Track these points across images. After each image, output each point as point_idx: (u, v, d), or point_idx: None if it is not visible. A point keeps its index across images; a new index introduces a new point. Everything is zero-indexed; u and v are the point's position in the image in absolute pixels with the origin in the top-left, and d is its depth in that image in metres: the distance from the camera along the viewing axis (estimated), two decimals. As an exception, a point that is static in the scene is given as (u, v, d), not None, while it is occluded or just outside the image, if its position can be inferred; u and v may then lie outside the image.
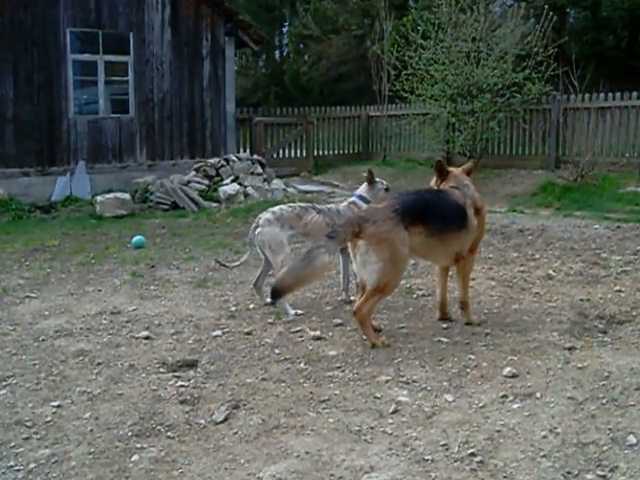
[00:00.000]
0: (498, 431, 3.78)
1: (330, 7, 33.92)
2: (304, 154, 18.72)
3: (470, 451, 3.56)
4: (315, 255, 5.10)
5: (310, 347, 5.27)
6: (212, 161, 14.55)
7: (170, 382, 4.63)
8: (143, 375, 4.78)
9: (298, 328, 5.71)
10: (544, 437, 3.69)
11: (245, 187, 13.95)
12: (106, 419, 4.08)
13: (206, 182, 14.05)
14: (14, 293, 7.04)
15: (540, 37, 15.39)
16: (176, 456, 3.65)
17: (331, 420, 3.99)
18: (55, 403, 4.30)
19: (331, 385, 4.51)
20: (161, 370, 4.87)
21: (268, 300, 6.10)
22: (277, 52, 40.74)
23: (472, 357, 4.92)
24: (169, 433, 3.90)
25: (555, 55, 15.26)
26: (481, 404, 4.14)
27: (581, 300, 6.28)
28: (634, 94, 14.54)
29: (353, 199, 6.66)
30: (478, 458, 3.49)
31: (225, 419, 4.04)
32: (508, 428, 3.81)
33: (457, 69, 15.77)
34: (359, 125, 20.25)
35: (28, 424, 4.04)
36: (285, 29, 39.90)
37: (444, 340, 5.33)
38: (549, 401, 4.13)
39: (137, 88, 15.16)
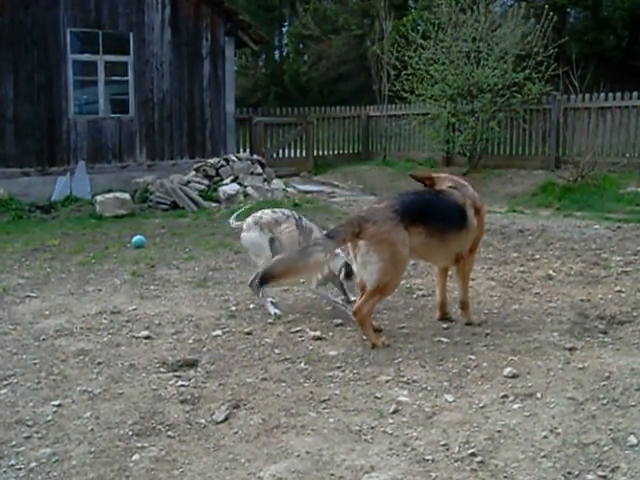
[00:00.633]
0: (498, 431, 3.78)
1: (330, 7, 33.95)
2: (304, 154, 18.73)
3: (470, 451, 3.56)
4: (311, 252, 5.15)
5: (310, 347, 5.27)
6: (212, 161, 14.55)
7: (170, 382, 4.63)
8: (143, 375, 4.78)
9: (298, 328, 5.71)
10: (545, 437, 3.69)
11: (245, 187, 13.95)
12: (107, 418, 4.08)
13: (206, 182, 14.05)
14: (14, 293, 7.04)
15: (540, 37, 15.39)
16: (176, 455, 3.65)
17: (331, 420, 3.99)
18: (56, 402, 4.31)
19: (331, 385, 4.51)
20: (161, 370, 4.87)
21: (271, 309, 6.16)
22: (277, 52, 40.76)
23: (472, 357, 4.92)
24: (169, 432, 3.90)
25: (555, 55, 15.27)
26: (481, 404, 4.14)
27: (581, 300, 6.27)
28: (634, 94, 14.55)
29: None
30: (478, 458, 3.49)
31: (225, 419, 4.04)
32: (508, 428, 3.81)
33: (457, 69, 15.78)
34: (359, 125, 20.25)
35: (29, 423, 4.04)
36: (285, 29, 39.93)
37: (444, 340, 5.33)
38: (550, 401, 4.13)
39: (137, 88, 15.16)
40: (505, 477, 3.34)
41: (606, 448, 3.55)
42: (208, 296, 6.84)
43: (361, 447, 3.66)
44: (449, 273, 6.00)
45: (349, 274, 5.93)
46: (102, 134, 14.80)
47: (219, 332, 5.66)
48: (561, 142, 15.69)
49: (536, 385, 4.38)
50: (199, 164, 14.52)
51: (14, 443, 3.81)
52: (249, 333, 5.62)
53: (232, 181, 14.05)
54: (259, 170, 14.73)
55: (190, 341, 5.48)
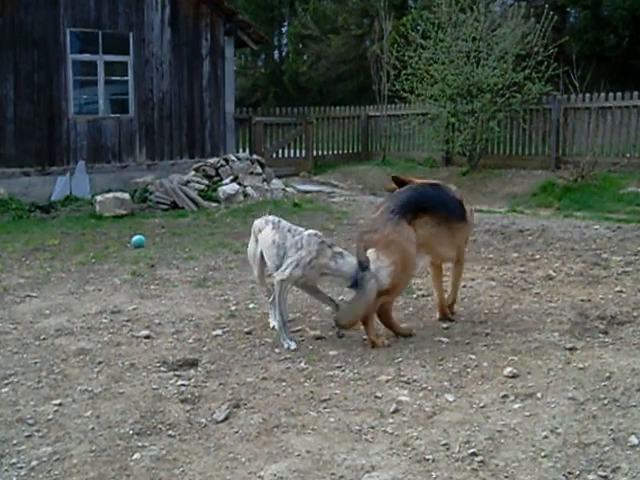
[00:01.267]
0: (499, 431, 3.78)
1: (329, 7, 33.93)
2: (303, 154, 18.71)
3: (471, 451, 3.56)
4: (369, 288, 5.14)
5: (310, 347, 5.28)
6: (211, 161, 14.54)
7: (171, 381, 4.63)
8: (144, 374, 4.78)
9: (298, 327, 5.72)
10: (545, 437, 3.69)
11: (244, 187, 13.95)
12: (107, 417, 4.08)
13: (205, 182, 14.04)
14: (15, 292, 7.04)
15: (540, 37, 15.37)
16: (177, 455, 3.65)
17: (332, 419, 3.99)
18: (56, 401, 4.31)
19: (332, 384, 4.51)
20: (162, 369, 4.87)
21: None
22: (276, 52, 40.71)
23: (473, 357, 4.92)
24: (170, 432, 3.90)
25: (555, 55, 15.25)
26: (482, 404, 4.14)
27: (582, 300, 6.28)
28: (635, 94, 14.53)
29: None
30: (479, 458, 3.49)
31: (226, 418, 4.04)
32: (509, 428, 3.81)
33: (457, 69, 15.78)
34: (358, 125, 20.24)
35: (30, 422, 4.04)
36: (284, 29, 39.86)
37: (444, 340, 5.34)
38: (550, 401, 4.13)
39: (137, 88, 15.15)
40: (506, 477, 3.34)
41: (607, 448, 3.55)
42: (208, 296, 6.84)
43: (361, 447, 3.67)
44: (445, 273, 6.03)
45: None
46: (102, 134, 14.79)
47: (219, 332, 5.66)
48: (561, 142, 15.67)
49: (536, 385, 4.38)
50: (199, 164, 14.52)
51: (15, 442, 3.81)
52: (249, 333, 5.63)
53: (232, 181, 14.04)
54: (259, 170, 14.72)
55: (190, 340, 5.48)
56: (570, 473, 3.34)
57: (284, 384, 4.54)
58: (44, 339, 5.56)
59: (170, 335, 5.63)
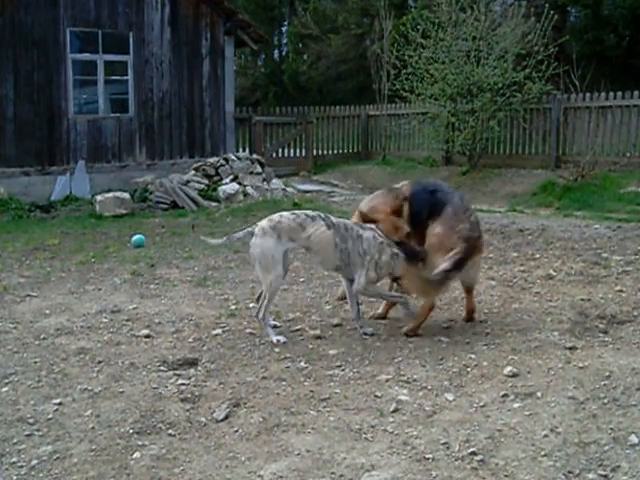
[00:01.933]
0: (499, 430, 3.78)
1: (329, 6, 33.90)
2: (303, 153, 18.71)
3: (471, 450, 3.56)
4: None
5: (310, 346, 5.28)
6: (211, 160, 14.54)
7: (171, 380, 4.63)
8: (144, 373, 4.78)
9: (298, 327, 5.72)
10: (545, 436, 3.69)
11: (244, 186, 13.95)
12: (107, 417, 4.09)
13: (205, 181, 14.05)
14: (15, 292, 7.04)
15: (541, 36, 15.36)
16: (177, 454, 3.65)
17: (332, 419, 3.99)
18: (56, 400, 4.31)
19: (331, 384, 4.51)
20: (162, 368, 4.87)
21: (272, 322, 5.68)
22: (276, 51, 40.71)
23: (473, 356, 4.92)
24: (170, 431, 3.90)
25: (556, 54, 15.25)
26: (482, 403, 4.14)
27: (582, 300, 6.27)
28: (635, 93, 14.53)
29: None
30: (479, 457, 3.49)
31: (226, 417, 4.04)
32: (509, 427, 3.81)
33: (457, 68, 15.77)
34: (358, 124, 20.23)
35: (30, 421, 4.04)
36: (284, 28, 39.85)
37: (444, 339, 5.33)
38: (550, 400, 4.13)
39: (137, 88, 15.16)
40: (505, 476, 3.34)
41: (607, 447, 3.55)
42: (208, 295, 6.84)
43: (361, 446, 3.67)
44: None
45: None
46: (102, 134, 14.80)
47: (219, 331, 5.66)
48: (561, 141, 15.67)
49: (536, 384, 4.38)
50: (199, 163, 14.52)
51: (15, 441, 3.81)
52: (249, 332, 5.63)
53: (232, 180, 14.05)
54: (259, 169, 14.72)
55: (190, 340, 5.48)
56: (570, 472, 3.34)
57: (284, 383, 4.54)
58: (44, 338, 5.56)
59: (170, 334, 5.63)
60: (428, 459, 3.50)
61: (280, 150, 18.63)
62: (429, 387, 4.41)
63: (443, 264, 5.20)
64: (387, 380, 4.53)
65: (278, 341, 5.33)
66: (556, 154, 15.58)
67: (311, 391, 4.38)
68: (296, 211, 5.74)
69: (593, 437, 3.66)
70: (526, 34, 15.64)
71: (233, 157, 14.74)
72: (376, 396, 4.28)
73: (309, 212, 5.60)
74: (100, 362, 5.01)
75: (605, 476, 3.30)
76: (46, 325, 5.91)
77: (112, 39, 14.93)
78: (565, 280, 7.04)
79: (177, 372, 4.79)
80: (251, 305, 6.40)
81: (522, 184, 14.61)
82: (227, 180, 14.04)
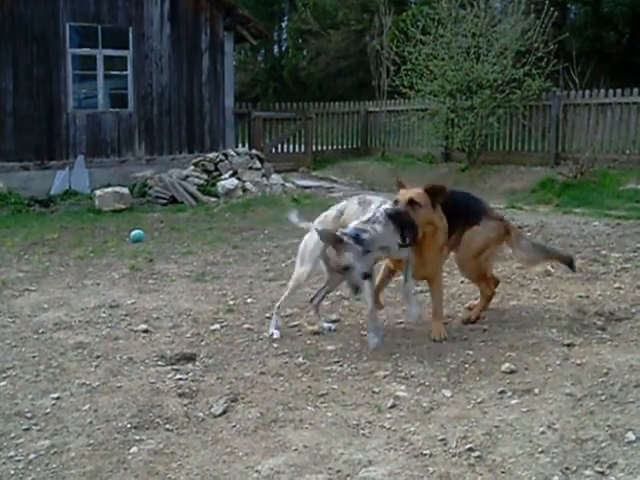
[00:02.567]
0: (496, 426, 3.78)
1: (329, 2, 33.81)
2: (303, 149, 18.72)
3: (468, 446, 3.56)
4: None
5: (308, 341, 5.28)
6: (211, 156, 14.54)
7: (169, 375, 4.63)
8: (142, 368, 4.79)
9: (296, 322, 5.72)
10: (542, 433, 3.69)
11: (243, 182, 13.94)
12: (105, 411, 4.09)
13: (205, 177, 14.04)
14: (13, 286, 7.04)
15: (541, 33, 15.37)
16: (175, 448, 3.66)
17: (329, 414, 3.99)
18: (54, 395, 4.32)
19: (329, 379, 4.51)
20: (159, 363, 4.88)
21: (325, 325, 5.54)
22: (276, 47, 40.70)
23: (470, 353, 4.92)
24: (168, 426, 3.91)
25: (555, 51, 15.26)
26: (479, 399, 4.14)
27: (580, 297, 6.27)
28: (635, 90, 14.53)
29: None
30: (476, 453, 3.49)
31: (223, 412, 4.04)
32: (506, 424, 3.81)
33: (457, 65, 15.78)
34: (358, 120, 20.22)
35: (28, 415, 4.05)
36: (284, 24, 39.84)
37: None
38: (547, 397, 4.13)
39: (136, 82, 15.15)
40: (502, 472, 3.34)
41: (604, 444, 3.55)
42: (206, 290, 6.84)
43: (359, 441, 3.67)
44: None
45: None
46: (101, 128, 14.79)
47: (217, 326, 5.66)
48: (561, 138, 15.67)
49: (534, 381, 4.38)
50: (198, 159, 14.52)
51: (13, 435, 3.82)
52: (247, 327, 5.63)
53: (231, 176, 14.04)
54: (258, 165, 14.71)
55: (188, 335, 5.48)
56: (567, 469, 3.34)
57: (282, 379, 4.54)
58: (42, 333, 5.56)
59: (168, 329, 5.63)
60: (425, 455, 3.50)
61: (279, 146, 18.64)
62: (427, 383, 4.41)
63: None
64: (385, 376, 4.53)
65: (271, 335, 5.35)
66: (555, 151, 15.58)
67: (309, 387, 4.39)
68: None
69: (590, 434, 3.66)
70: (526, 31, 15.63)
71: (232, 152, 14.73)
72: (374, 392, 4.29)
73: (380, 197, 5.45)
74: (98, 357, 5.01)
75: (602, 473, 3.30)
76: (44, 319, 5.91)
77: (111, 34, 14.93)
78: (563, 277, 7.03)
79: (175, 367, 4.79)
80: (249, 301, 6.41)
81: (521, 181, 14.62)
82: (226, 175, 14.04)
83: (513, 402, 4.09)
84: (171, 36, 15.43)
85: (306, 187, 15.29)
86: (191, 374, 4.65)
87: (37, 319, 5.94)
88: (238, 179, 13.95)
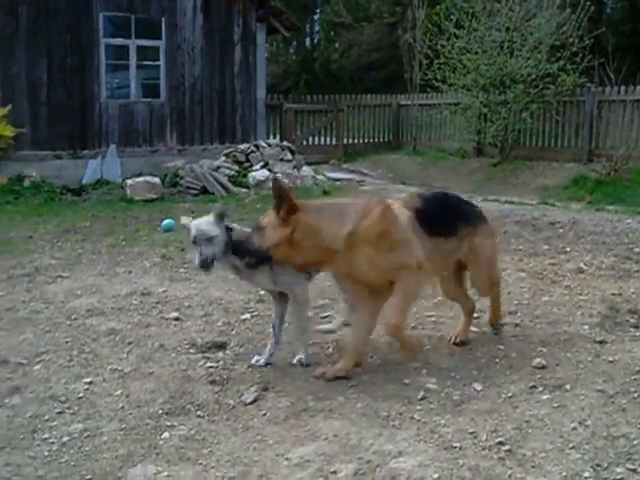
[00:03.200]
0: (527, 421, 3.77)
1: (362, -6, 33.79)
2: (334, 142, 18.69)
3: (498, 440, 3.55)
4: None
5: (339, 333, 5.28)
6: (242, 147, 14.57)
7: (200, 363, 4.67)
8: (173, 355, 4.83)
9: (327, 313, 5.73)
10: (573, 429, 3.67)
11: (275, 173, 13.95)
12: (137, 397, 4.14)
13: (236, 168, 14.08)
14: (46, 272, 7.13)
15: (576, 27, 15.19)
16: (206, 435, 3.69)
17: (359, 405, 4.00)
18: (87, 380, 4.38)
19: (360, 370, 4.51)
20: (191, 351, 4.92)
21: None
22: (308, 39, 40.68)
23: (501, 347, 4.90)
24: (199, 412, 3.95)
25: (591, 46, 15.06)
26: (510, 394, 4.12)
27: (612, 294, 6.20)
28: (671, 87, 14.32)
29: None
30: (506, 447, 3.48)
31: (254, 400, 4.07)
32: (537, 418, 3.80)
33: (490, 59, 15.66)
34: (389, 114, 20.15)
35: (62, 399, 4.11)
36: (316, 16, 39.81)
37: (473, 329, 5.29)
38: (579, 393, 4.10)
39: (168, 73, 15.23)
40: (532, 467, 3.33)
41: (636, 442, 3.52)
42: (237, 280, 6.85)
43: (389, 432, 3.67)
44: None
45: None
46: (133, 118, 14.90)
47: (248, 316, 5.69)
48: (594, 135, 15.47)
49: (565, 377, 4.35)
50: (229, 150, 14.56)
51: (47, 417, 3.89)
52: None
53: (262, 167, 14.07)
54: (289, 157, 14.73)
55: (219, 324, 5.52)
56: (598, 465, 3.32)
57: (312, 369, 4.55)
58: (75, 319, 5.63)
59: (199, 318, 5.67)
60: (455, 447, 3.50)
61: (310, 138, 18.63)
62: (457, 377, 4.40)
63: None
64: (415, 368, 4.52)
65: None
66: (589, 147, 15.40)
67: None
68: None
69: (622, 431, 3.63)
70: (561, 25, 15.47)
71: (264, 144, 14.76)
72: (404, 384, 4.28)
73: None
74: (130, 343, 5.07)
75: (634, 470, 3.27)
76: (77, 306, 5.98)
77: (145, 24, 15.01)
78: (596, 274, 6.96)
79: (206, 355, 4.83)
80: (279, 291, 6.42)
81: (554, 177, 14.48)
82: (257, 167, 14.07)
83: (544, 397, 4.06)
84: (204, 27, 15.49)
85: (337, 179, 15.27)
86: (222, 362, 4.68)
87: (70, 305, 6.01)
88: (269, 170, 13.97)
